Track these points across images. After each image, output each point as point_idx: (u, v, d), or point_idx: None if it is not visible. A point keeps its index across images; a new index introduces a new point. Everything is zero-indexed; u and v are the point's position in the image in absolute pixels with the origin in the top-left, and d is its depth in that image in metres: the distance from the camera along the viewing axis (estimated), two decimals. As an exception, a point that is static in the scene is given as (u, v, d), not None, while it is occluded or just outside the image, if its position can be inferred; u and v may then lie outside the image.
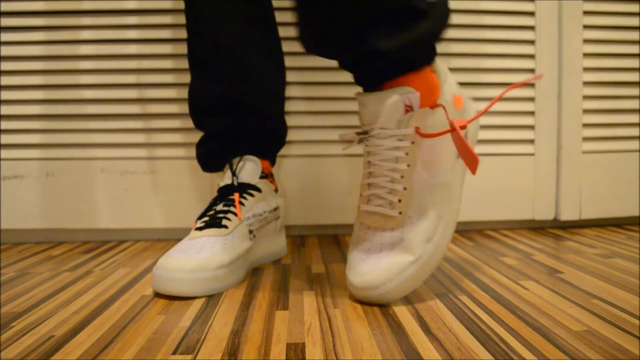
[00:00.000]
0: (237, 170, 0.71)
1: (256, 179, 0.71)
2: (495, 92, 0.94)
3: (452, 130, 0.49)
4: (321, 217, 0.93)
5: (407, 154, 0.52)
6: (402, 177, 0.52)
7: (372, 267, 0.53)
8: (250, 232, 0.67)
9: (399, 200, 0.53)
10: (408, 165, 0.52)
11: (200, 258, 0.59)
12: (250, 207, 0.68)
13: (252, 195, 0.69)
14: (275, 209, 0.74)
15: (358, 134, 0.54)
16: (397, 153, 0.52)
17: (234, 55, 0.70)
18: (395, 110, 0.51)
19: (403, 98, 0.51)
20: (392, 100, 0.50)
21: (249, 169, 0.71)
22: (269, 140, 0.77)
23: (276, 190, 0.77)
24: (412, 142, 0.52)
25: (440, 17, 0.54)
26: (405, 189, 0.52)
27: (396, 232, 0.53)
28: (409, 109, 0.52)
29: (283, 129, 0.80)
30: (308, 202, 0.93)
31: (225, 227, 0.64)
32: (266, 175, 0.74)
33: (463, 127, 0.50)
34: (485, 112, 0.94)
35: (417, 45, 0.52)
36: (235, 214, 0.66)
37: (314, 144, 0.93)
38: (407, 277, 0.53)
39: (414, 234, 0.53)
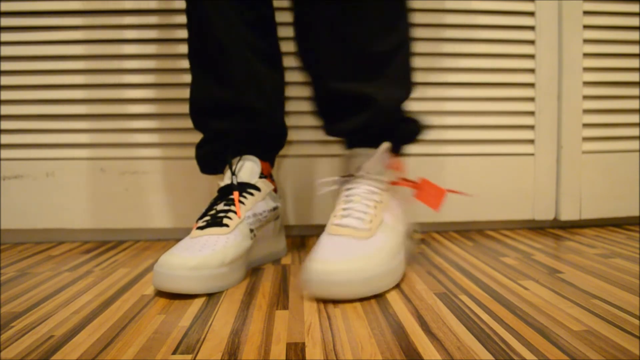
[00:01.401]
0: (236, 170, 0.71)
1: (255, 179, 0.71)
2: (495, 92, 0.94)
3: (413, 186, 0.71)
4: (321, 217, 0.93)
5: (381, 194, 0.66)
6: (375, 207, 0.64)
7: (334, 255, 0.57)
8: (251, 231, 0.67)
9: (370, 221, 0.62)
10: (381, 202, 0.65)
11: (202, 256, 0.59)
12: (250, 206, 0.69)
13: (251, 194, 0.69)
14: (275, 208, 0.74)
15: (343, 176, 0.69)
16: (374, 190, 0.66)
17: (239, 60, 0.71)
18: (380, 163, 0.67)
19: (384, 157, 0.68)
20: (380, 155, 0.67)
21: (248, 168, 0.71)
22: (269, 142, 0.78)
23: (275, 191, 0.77)
24: (386, 190, 0.67)
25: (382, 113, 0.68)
26: (375, 215, 0.63)
27: (363, 241, 0.60)
28: (389, 165, 0.68)
29: (284, 132, 0.80)
30: (308, 202, 0.93)
31: (227, 225, 0.64)
32: (265, 176, 0.74)
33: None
34: (485, 114, 0.94)
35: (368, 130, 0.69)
36: (236, 213, 0.66)
37: (314, 144, 0.93)
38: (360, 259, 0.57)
39: (379, 246, 0.59)
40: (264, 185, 0.72)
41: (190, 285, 0.57)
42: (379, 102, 0.67)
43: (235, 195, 0.67)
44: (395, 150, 0.70)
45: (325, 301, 0.55)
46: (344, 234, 0.59)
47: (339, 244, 0.58)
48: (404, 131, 0.73)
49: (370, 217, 0.61)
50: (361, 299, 0.55)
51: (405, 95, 0.71)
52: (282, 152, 0.92)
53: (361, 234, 0.59)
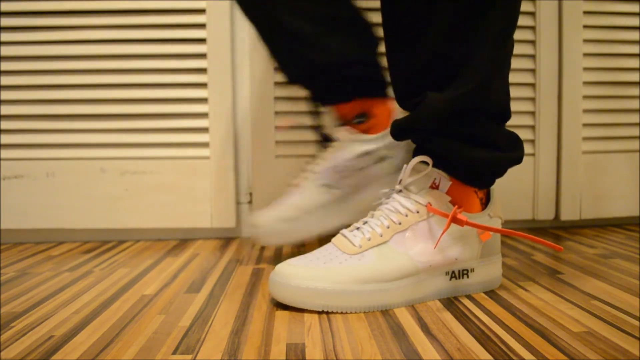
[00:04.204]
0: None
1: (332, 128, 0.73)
2: (495, 92, 0.94)
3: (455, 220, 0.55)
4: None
5: (406, 215, 0.57)
6: (388, 227, 0.56)
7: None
8: (326, 185, 0.71)
9: (369, 238, 0.56)
10: (399, 224, 0.57)
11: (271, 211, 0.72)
12: (327, 161, 0.72)
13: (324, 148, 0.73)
14: (365, 153, 0.71)
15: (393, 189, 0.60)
16: (399, 209, 0.57)
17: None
18: (421, 180, 0.58)
19: (435, 175, 0.57)
20: (426, 172, 0.57)
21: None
22: (339, 80, 0.72)
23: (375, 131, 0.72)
24: (417, 211, 0.57)
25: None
26: (381, 235, 0.56)
27: (345, 255, 0.55)
28: (434, 186, 0.57)
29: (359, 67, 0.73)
30: (308, 202, 0.93)
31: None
32: (346, 122, 0.73)
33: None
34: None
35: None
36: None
37: (313, 144, 0.93)
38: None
39: (354, 264, 0.54)
40: (343, 133, 0.72)
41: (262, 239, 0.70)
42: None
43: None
44: (459, 177, 0.58)
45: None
46: (335, 243, 0.57)
47: (322, 251, 0.57)
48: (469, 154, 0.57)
49: (371, 235, 0.56)
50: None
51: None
52: (282, 152, 0.92)
53: (349, 248, 0.55)
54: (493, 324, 0.48)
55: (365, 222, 0.58)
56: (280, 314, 0.52)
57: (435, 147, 0.57)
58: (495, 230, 0.56)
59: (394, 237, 0.56)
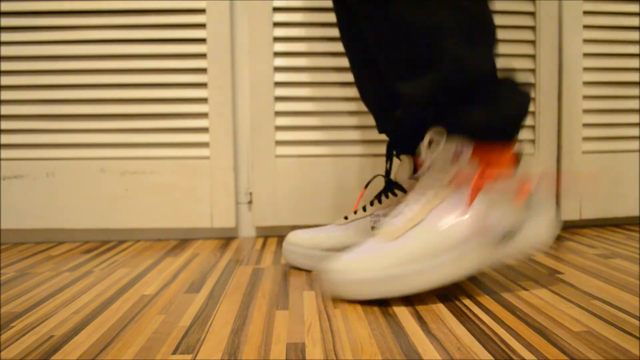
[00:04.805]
0: (392, 167, 0.72)
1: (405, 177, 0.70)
2: (495, 92, 0.94)
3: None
4: (321, 217, 0.93)
5: (436, 191, 0.57)
6: (423, 205, 0.56)
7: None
8: (373, 228, 0.69)
9: (403, 222, 0.56)
10: (431, 201, 0.56)
11: (312, 236, 0.70)
12: (385, 206, 0.69)
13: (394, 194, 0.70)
14: None
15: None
16: (426, 190, 0.57)
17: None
18: (447, 151, 0.57)
19: (455, 142, 0.56)
20: (444, 142, 0.56)
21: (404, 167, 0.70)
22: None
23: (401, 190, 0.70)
24: (447, 184, 0.56)
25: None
26: (416, 216, 0.56)
27: (383, 243, 0.56)
28: (457, 154, 0.56)
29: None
30: (308, 202, 0.93)
31: (346, 218, 0.70)
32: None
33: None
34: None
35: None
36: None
37: (313, 144, 0.93)
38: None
39: (393, 249, 0.55)
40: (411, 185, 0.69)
41: (292, 258, 0.69)
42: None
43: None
44: (477, 136, 0.56)
45: (325, 301, 0.55)
46: (375, 235, 0.58)
47: (364, 245, 0.57)
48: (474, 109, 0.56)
49: (406, 217, 0.56)
50: (362, 301, 0.55)
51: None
52: (281, 152, 0.92)
53: (387, 235, 0.56)
54: (493, 324, 0.48)
55: (398, 209, 0.58)
56: (280, 314, 0.52)
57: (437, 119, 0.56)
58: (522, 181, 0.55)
59: (431, 214, 0.55)
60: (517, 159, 0.59)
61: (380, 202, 0.70)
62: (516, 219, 0.56)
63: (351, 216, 0.71)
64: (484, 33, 0.58)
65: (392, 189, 0.69)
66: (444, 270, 0.54)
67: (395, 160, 0.73)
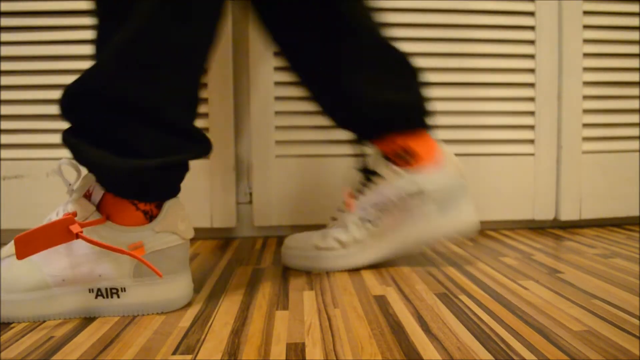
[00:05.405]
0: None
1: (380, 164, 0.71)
2: (495, 92, 0.94)
3: None
4: (321, 217, 0.93)
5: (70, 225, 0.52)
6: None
7: None
8: (366, 221, 0.70)
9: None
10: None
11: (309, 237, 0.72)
12: (370, 196, 0.70)
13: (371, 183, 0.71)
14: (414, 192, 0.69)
15: None
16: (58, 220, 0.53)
17: None
18: (82, 187, 0.53)
19: (91, 181, 0.53)
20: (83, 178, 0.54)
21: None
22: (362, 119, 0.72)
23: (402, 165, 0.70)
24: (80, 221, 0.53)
25: None
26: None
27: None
28: (88, 194, 0.54)
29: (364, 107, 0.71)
30: (308, 202, 0.93)
31: (334, 219, 0.73)
32: (391, 158, 0.70)
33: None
34: (485, 114, 0.94)
35: None
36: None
37: (313, 144, 0.93)
38: None
39: None
40: (387, 171, 0.69)
41: (288, 260, 0.71)
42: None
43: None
44: (103, 185, 0.53)
45: (325, 301, 0.55)
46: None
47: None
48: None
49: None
50: (362, 301, 0.55)
51: None
52: (281, 152, 0.92)
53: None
54: (493, 323, 0.48)
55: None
56: (280, 314, 0.52)
57: (79, 152, 0.52)
58: (94, 243, 0.49)
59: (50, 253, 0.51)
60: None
61: (362, 193, 0.71)
62: (125, 277, 0.52)
63: (337, 215, 0.73)
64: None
65: (368, 177, 0.71)
66: (27, 306, 0.51)
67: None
